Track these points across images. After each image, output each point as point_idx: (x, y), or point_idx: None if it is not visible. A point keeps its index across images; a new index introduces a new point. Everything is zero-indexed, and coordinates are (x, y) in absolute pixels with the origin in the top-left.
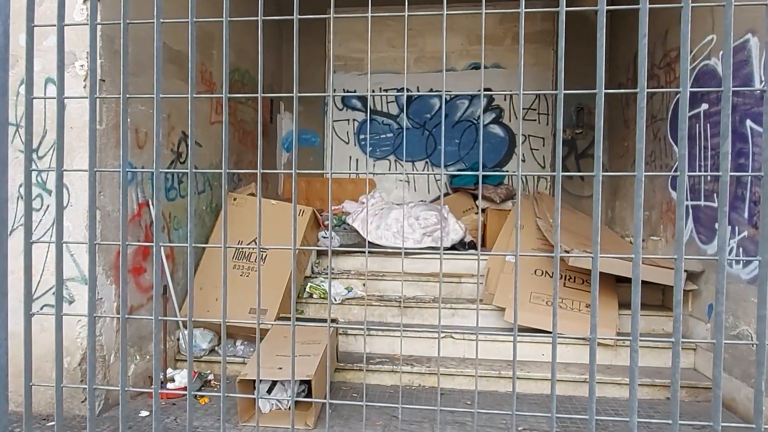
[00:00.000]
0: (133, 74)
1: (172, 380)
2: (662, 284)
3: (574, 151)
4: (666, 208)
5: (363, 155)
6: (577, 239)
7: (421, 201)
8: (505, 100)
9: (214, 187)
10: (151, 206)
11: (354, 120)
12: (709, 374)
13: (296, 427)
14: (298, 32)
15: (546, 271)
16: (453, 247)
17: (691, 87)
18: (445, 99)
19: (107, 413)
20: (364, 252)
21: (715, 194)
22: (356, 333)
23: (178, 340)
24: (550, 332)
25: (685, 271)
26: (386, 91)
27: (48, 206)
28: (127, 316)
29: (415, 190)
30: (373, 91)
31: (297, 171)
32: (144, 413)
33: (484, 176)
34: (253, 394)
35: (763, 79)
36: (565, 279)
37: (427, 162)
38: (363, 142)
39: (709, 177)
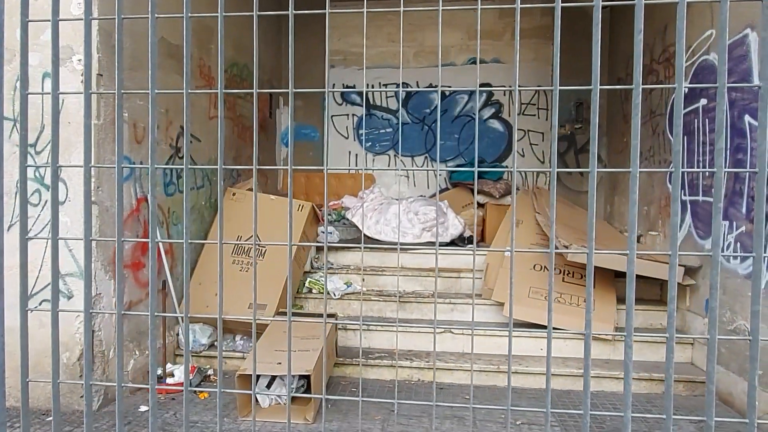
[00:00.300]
0: (131, 69)
1: (172, 375)
2: (660, 279)
3: (573, 146)
4: (665, 203)
5: (362, 150)
6: (576, 234)
7: (421, 196)
8: (504, 95)
9: (213, 182)
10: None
11: (353, 115)
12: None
13: (296, 421)
14: (294, 29)
15: (545, 266)
16: (452, 242)
17: (690, 82)
18: (445, 94)
19: (106, 408)
20: (361, 246)
21: (713, 189)
22: (356, 328)
23: (178, 335)
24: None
25: (682, 266)
26: (386, 85)
27: (46, 201)
28: (123, 312)
29: (415, 185)
30: (372, 86)
31: (294, 167)
32: (143, 408)
33: (483, 171)
34: (252, 389)
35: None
36: (563, 274)
37: (426, 157)
38: (362, 137)
39: (707, 172)
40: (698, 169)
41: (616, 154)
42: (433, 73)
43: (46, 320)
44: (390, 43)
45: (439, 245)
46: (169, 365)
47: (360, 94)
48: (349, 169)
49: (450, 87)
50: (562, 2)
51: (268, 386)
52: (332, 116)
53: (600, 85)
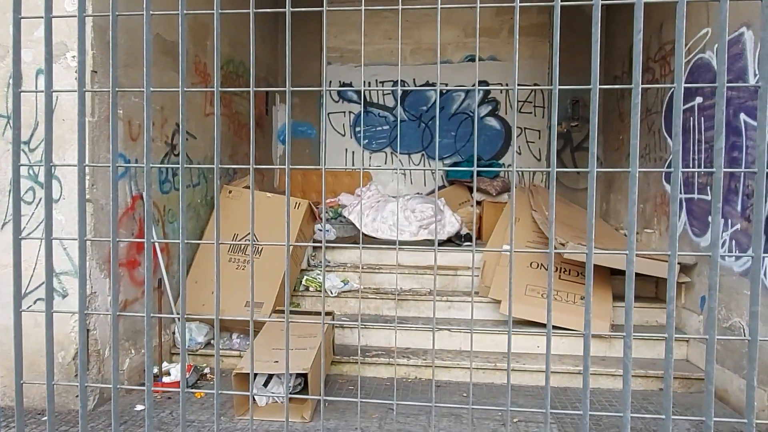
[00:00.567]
0: (127, 66)
1: (168, 374)
2: (656, 276)
3: (569, 144)
4: (660, 201)
5: (359, 147)
6: (573, 232)
7: (418, 193)
8: (501, 92)
9: (209, 179)
10: (145, 199)
11: (350, 112)
12: (701, 365)
13: (293, 420)
14: (290, 27)
15: (541, 264)
16: (449, 240)
17: (686, 80)
18: (441, 91)
19: (102, 407)
20: (359, 245)
21: (708, 187)
22: (352, 326)
23: (174, 333)
24: (545, 324)
25: (678, 263)
26: (382, 83)
27: (40, 199)
28: (118, 313)
29: (411, 182)
30: (369, 84)
31: (291, 167)
32: (139, 407)
33: (480, 169)
34: (249, 388)
35: (757, 73)
36: (560, 272)
37: (423, 154)
38: (359, 135)
39: (704, 172)
40: (698, 169)
41: (611, 152)
42: (429, 71)
43: (41, 319)
44: (387, 41)
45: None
46: (165, 364)
47: (356, 91)
48: (348, 168)
49: (447, 85)
50: (561, 1)
51: (265, 385)
52: (329, 114)
53: (597, 84)
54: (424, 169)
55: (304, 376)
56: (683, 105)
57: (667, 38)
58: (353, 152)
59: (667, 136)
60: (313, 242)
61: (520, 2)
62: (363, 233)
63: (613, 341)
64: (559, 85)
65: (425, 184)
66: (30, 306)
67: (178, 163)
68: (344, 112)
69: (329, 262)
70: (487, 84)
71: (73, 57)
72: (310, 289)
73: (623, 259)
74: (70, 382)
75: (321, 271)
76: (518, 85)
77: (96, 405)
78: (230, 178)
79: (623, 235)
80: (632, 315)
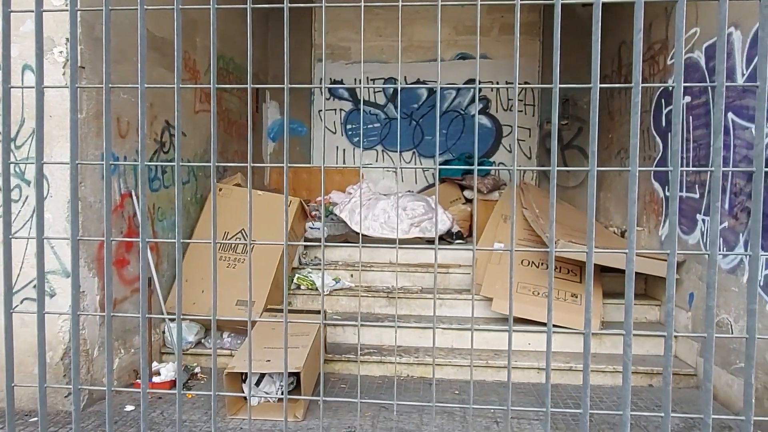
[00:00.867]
0: (115, 62)
1: (158, 374)
2: (645, 273)
3: (559, 142)
4: (649, 199)
5: (350, 145)
6: (564, 230)
7: (409, 191)
8: (492, 90)
9: (199, 177)
10: (134, 197)
11: (341, 110)
12: (689, 361)
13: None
14: (288, 22)
15: (533, 262)
16: (440, 237)
17: (674, 80)
18: (432, 89)
19: (91, 408)
20: (353, 243)
21: (696, 185)
22: (345, 324)
23: (164, 332)
24: (536, 321)
25: (664, 260)
26: (374, 80)
27: (27, 197)
28: (112, 314)
29: (402, 180)
30: (361, 82)
31: (288, 165)
32: (129, 407)
33: (472, 167)
34: (241, 387)
35: (745, 72)
36: None
37: (414, 152)
38: (350, 132)
39: (700, 171)
40: (698, 169)
41: (601, 150)
42: (420, 68)
43: (29, 320)
44: (378, 38)
45: (427, 240)
46: (155, 363)
47: (348, 88)
48: (343, 166)
49: (443, 84)
50: (562, 0)
51: (257, 384)
52: (319, 111)
53: (598, 83)
54: (425, 168)
55: (297, 374)
56: (671, 105)
57: (655, 38)
58: (344, 150)
59: (655, 134)
60: (308, 240)
61: (520, 1)
62: (354, 231)
63: (603, 338)
64: (554, 84)
65: (416, 182)
66: (17, 306)
67: (167, 161)
68: (335, 109)
69: (320, 260)
70: (479, 82)
71: (60, 52)
72: (302, 287)
73: (614, 257)
74: (61, 384)
75: (312, 269)
76: (513, 83)
77: (85, 405)
78: (219, 175)
79: (613, 233)
80: (632, 313)
